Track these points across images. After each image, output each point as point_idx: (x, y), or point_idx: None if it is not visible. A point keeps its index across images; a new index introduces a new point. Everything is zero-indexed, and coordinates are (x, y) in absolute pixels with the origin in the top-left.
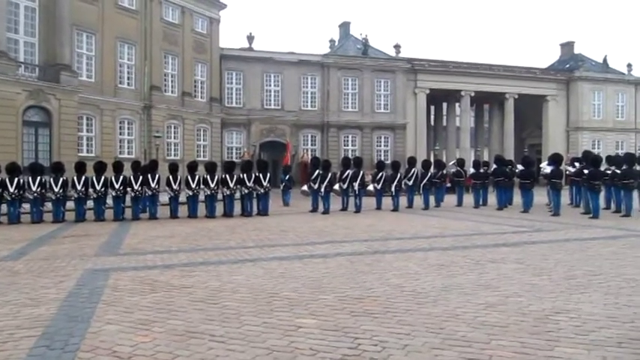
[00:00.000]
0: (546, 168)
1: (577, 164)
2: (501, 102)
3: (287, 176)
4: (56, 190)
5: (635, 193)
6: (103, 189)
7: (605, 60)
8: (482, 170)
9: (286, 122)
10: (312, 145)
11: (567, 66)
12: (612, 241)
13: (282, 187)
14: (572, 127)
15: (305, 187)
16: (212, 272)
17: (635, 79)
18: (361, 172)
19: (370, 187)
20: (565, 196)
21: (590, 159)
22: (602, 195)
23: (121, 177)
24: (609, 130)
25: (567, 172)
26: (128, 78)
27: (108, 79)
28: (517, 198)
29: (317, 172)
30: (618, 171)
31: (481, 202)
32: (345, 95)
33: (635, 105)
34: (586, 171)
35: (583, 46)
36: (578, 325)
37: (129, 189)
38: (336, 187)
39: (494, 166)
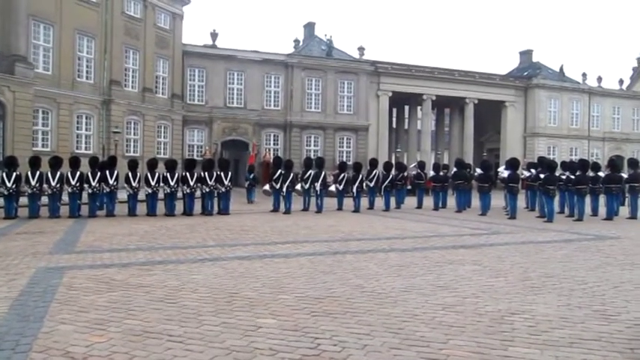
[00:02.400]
0: (504, 172)
1: (533, 170)
2: (462, 106)
3: (252, 175)
4: (9, 185)
5: (587, 199)
6: (58, 185)
7: (561, 69)
8: (442, 173)
9: (249, 121)
10: (274, 144)
11: (526, 73)
12: (565, 244)
13: (247, 186)
14: (529, 133)
15: (267, 187)
16: (171, 271)
17: (589, 89)
18: (323, 173)
19: (332, 188)
20: (521, 200)
21: (546, 164)
22: (556, 199)
23: (78, 173)
24: (564, 137)
25: (522, 177)
26: (87, 71)
27: (66, 72)
28: (475, 201)
29: (279, 171)
30: (572, 176)
31: (440, 205)
32: (308, 95)
33: (588, 113)
34: (542, 176)
35: (541, 55)
36: (532, 325)
37: (86, 185)
38: (298, 187)
39: (455, 169)
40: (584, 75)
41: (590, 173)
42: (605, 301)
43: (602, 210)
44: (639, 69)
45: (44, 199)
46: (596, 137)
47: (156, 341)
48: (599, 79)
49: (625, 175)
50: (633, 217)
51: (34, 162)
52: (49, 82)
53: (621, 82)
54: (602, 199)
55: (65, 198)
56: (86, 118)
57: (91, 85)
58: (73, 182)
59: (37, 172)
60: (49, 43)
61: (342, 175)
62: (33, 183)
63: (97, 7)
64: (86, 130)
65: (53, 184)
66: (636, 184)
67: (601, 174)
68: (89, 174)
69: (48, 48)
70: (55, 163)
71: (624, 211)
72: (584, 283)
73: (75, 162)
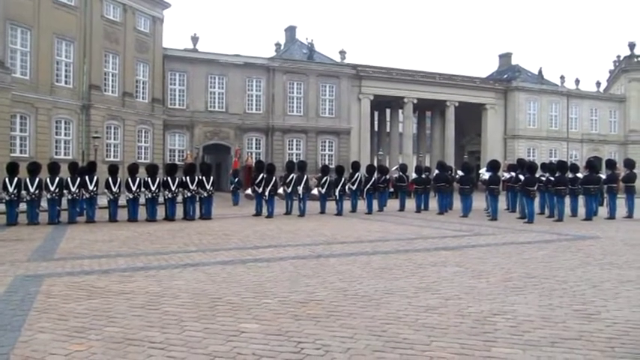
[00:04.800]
0: (485, 174)
1: (513, 172)
2: (443, 109)
3: (236, 179)
4: None
5: (566, 199)
6: (37, 191)
7: (540, 72)
8: (424, 176)
9: (230, 125)
10: (256, 148)
11: (505, 76)
12: (546, 244)
13: (232, 189)
14: (509, 135)
15: (249, 191)
16: (152, 277)
17: (567, 91)
18: (305, 176)
19: (314, 192)
20: (502, 202)
21: (526, 166)
22: (536, 201)
23: (57, 179)
24: (543, 139)
25: (503, 179)
26: (66, 76)
27: (44, 77)
28: (457, 203)
29: (261, 175)
30: (552, 178)
31: (423, 207)
32: (290, 99)
33: (567, 115)
34: (522, 177)
35: (520, 58)
36: (514, 325)
37: (65, 191)
38: (280, 191)
39: (437, 171)
40: (562, 77)
41: (569, 174)
42: (586, 300)
43: (582, 210)
44: (615, 71)
45: (22, 206)
46: (574, 139)
47: (137, 348)
48: (577, 81)
49: (603, 176)
50: (611, 217)
51: (12, 168)
52: (27, 87)
53: (598, 84)
54: (581, 199)
55: (44, 204)
56: (65, 123)
57: (70, 90)
58: (52, 188)
59: (15, 179)
60: (26, 48)
61: (325, 178)
62: (11, 190)
63: (76, 10)
64: (65, 135)
65: (32, 190)
66: (614, 185)
67: (580, 175)
68: (68, 180)
69: (25, 52)
70: (34, 169)
71: (603, 211)
72: (564, 282)
73: (54, 168)
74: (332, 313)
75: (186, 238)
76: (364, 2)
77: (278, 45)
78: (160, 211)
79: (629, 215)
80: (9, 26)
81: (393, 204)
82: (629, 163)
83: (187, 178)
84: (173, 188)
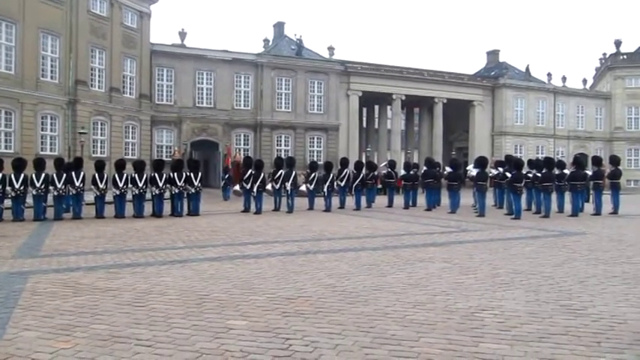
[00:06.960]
0: (472, 171)
1: (500, 168)
2: (431, 106)
3: (227, 175)
4: None
5: (553, 196)
6: (22, 187)
7: (527, 69)
8: (412, 172)
9: (219, 121)
10: (244, 144)
11: (493, 73)
12: (532, 240)
13: (222, 185)
14: (497, 132)
15: (237, 187)
16: (139, 274)
17: (554, 88)
18: (293, 173)
19: (302, 188)
20: (490, 198)
21: (513, 163)
22: (523, 197)
23: (43, 175)
24: (530, 136)
25: (491, 175)
26: (52, 71)
27: (29, 72)
28: (445, 199)
29: (249, 172)
30: (538, 174)
31: (411, 203)
32: (278, 95)
33: (553, 112)
34: (509, 174)
35: (507, 55)
36: (502, 321)
37: (51, 187)
38: (269, 187)
39: (425, 168)
40: (549, 75)
41: (556, 171)
42: (572, 295)
43: (568, 207)
44: (601, 69)
45: (7, 202)
46: (561, 136)
47: (124, 346)
48: (564, 78)
49: (589, 173)
50: (597, 213)
51: None
52: (12, 82)
53: (585, 81)
54: (567, 196)
55: (29, 201)
56: (51, 118)
57: (56, 85)
58: (37, 184)
59: (0, 175)
60: (11, 42)
61: (313, 174)
62: None
63: (62, 5)
64: (51, 131)
65: (17, 186)
66: (600, 181)
67: (566, 171)
68: (54, 176)
69: (10, 47)
70: (19, 165)
71: (589, 207)
72: (551, 278)
73: (39, 164)
74: (320, 309)
75: (174, 235)
76: None
77: (266, 41)
78: (148, 208)
79: (615, 211)
80: None
81: (381, 200)
82: (615, 160)
83: (175, 174)
84: (160, 184)
